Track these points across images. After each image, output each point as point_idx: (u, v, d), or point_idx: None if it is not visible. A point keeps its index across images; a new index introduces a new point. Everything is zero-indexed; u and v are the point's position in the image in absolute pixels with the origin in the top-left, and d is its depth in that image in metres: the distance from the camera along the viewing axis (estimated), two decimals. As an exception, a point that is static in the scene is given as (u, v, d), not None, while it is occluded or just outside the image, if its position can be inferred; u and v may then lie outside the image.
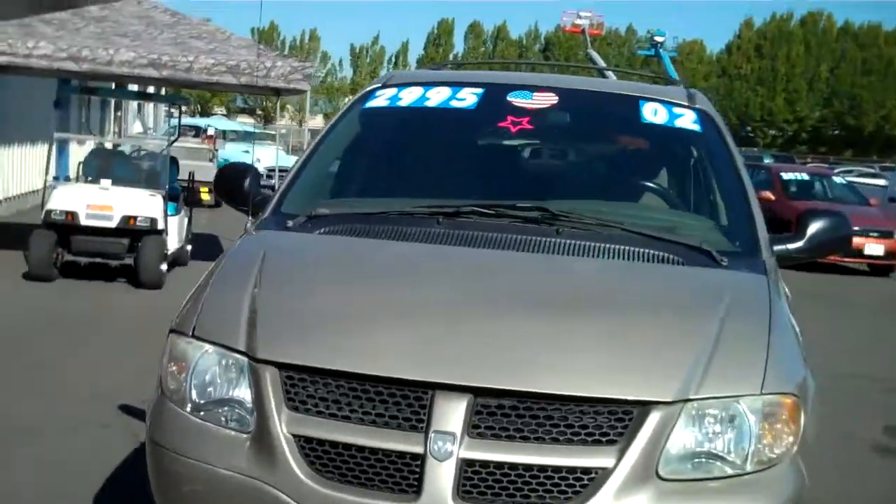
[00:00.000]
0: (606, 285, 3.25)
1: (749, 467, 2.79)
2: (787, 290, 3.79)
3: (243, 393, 2.89)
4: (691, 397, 2.75)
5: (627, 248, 3.40)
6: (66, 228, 9.79)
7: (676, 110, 4.21)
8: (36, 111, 12.41)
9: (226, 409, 2.92)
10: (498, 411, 2.69)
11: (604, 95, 4.45)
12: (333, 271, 3.34)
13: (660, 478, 2.69)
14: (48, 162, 10.50)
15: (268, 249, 3.45)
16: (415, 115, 4.28)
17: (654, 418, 2.70)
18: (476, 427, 2.68)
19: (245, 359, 2.89)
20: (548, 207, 3.57)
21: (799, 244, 3.77)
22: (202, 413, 2.94)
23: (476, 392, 2.70)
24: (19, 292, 9.33)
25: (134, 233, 9.92)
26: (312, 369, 2.80)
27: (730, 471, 2.77)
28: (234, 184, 4.07)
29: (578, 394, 2.70)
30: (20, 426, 5.38)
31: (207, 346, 2.98)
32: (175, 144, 11.54)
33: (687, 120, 4.19)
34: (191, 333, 3.04)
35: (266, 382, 2.82)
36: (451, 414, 2.67)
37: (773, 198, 17.36)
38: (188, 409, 2.95)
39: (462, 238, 3.41)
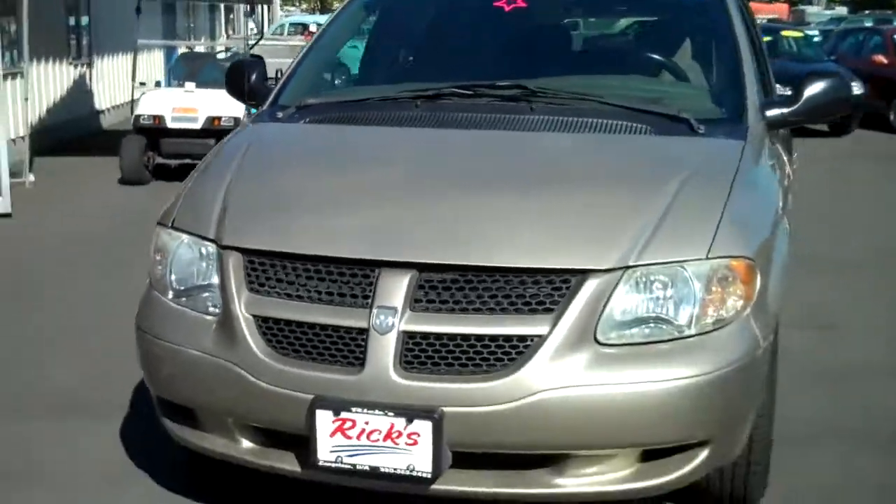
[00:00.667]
0: (566, 160, 3.29)
1: (692, 330, 2.84)
2: (785, 154, 3.75)
3: (215, 279, 3.06)
4: (631, 264, 2.81)
5: (599, 121, 3.43)
6: (154, 133, 10.15)
7: None
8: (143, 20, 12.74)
9: (203, 294, 3.10)
10: (440, 285, 2.80)
11: None
12: (305, 159, 3.48)
13: (598, 343, 2.77)
14: (133, 68, 10.82)
15: (252, 141, 3.61)
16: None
17: (590, 286, 2.77)
18: (418, 301, 2.79)
19: (214, 246, 3.06)
20: (526, 84, 3.61)
21: (795, 107, 3.71)
22: (182, 299, 3.14)
23: (420, 268, 2.81)
24: (113, 196, 9.76)
25: (220, 133, 10.20)
26: (271, 253, 2.96)
27: (672, 334, 2.83)
28: (240, 79, 4.20)
29: (517, 265, 2.79)
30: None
31: (184, 237, 3.16)
32: (276, 43, 11.66)
33: (688, -13, 4.12)
34: (170, 225, 3.23)
35: (230, 267, 3.00)
36: (394, 289, 2.79)
37: (885, 62, 16.67)
38: (170, 296, 3.16)
39: (436, 120, 3.49)
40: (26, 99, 10.49)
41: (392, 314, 2.77)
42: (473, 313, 2.78)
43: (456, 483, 2.84)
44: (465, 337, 2.77)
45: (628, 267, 2.81)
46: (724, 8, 4.03)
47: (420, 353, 2.78)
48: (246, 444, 3.02)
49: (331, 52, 4.37)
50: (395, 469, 2.77)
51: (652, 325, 2.83)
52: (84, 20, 14.83)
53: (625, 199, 3.03)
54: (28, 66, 10.62)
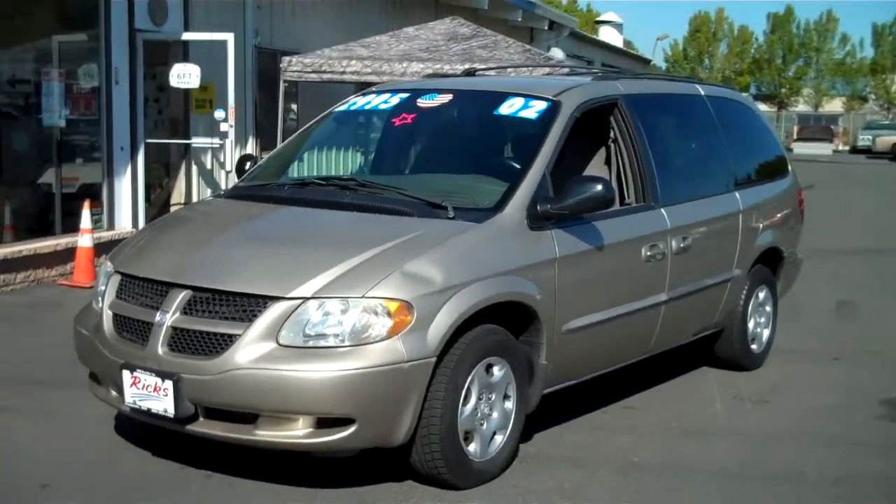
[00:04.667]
0: (324, 228, 4.88)
1: (347, 343, 4.31)
2: (530, 241, 4.92)
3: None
4: (309, 296, 4.35)
5: (382, 205, 4.95)
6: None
7: (532, 102, 5.52)
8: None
9: (99, 297, 4.99)
10: (201, 299, 4.50)
11: (480, 93, 5.86)
12: (189, 219, 5.32)
13: (278, 344, 4.32)
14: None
15: (188, 208, 5.51)
16: (351, 115, 6.05)
17: (279, 306, 4.35)
18: (187, 308, 4.51)
19: (113, 269, 4.97)
20: (356, 178, 5.22)
21: (560, 204, 5.00)
22: (92, 302, 5.04)
23: (193, 288, 4.53)
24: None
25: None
26: (129, 275, 4.81)
27: (332, 343, 4.32)
28: (241, 167, 6.10)
29: (237, 290, 4.43)
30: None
31: (109, 265, 5.09)
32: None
33: (532, 111, 5.48)
34: (109, 258, 5.18)
35: (112, 282, 4.88)
36: (173, 300, 4.53)
37: None
38: (96, 302, 5.07)
39: (285, 199, 5.20)
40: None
41: (167, 315, 4.51)
42: (208, 317, 4.45)
43: (202, 427, 4.49)
44: (200, 332, 4.44)
45: (308, 298, 4.35)
46: (544, 129, 5.32)
47: (176, 340, 4.49)
48: (112, 392, 4.84)
49: (291, 149, 6.19)
50: (158, 411, 4.48)
51: (320, 336, 4.33)
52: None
53: (334, 254, 4.54)
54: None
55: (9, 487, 4.62)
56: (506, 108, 5.54)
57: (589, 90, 5.77)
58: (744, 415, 6.21)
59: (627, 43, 59.07)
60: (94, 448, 5.12)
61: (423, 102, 5.78)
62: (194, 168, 12.30)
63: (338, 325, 4.33)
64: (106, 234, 10.15)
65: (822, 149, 47.40)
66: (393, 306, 4.36)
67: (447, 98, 5.79)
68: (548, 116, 5.42)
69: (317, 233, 4.89)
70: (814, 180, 27.61)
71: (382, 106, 5.88)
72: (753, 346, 7.05)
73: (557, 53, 23.95)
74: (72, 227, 9.78)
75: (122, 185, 10.73)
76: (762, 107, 67.00)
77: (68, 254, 9.55)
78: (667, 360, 6.83)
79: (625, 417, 5.93)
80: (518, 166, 5.25)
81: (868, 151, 46.63)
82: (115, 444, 5.16)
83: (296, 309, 4.35)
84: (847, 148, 51.82)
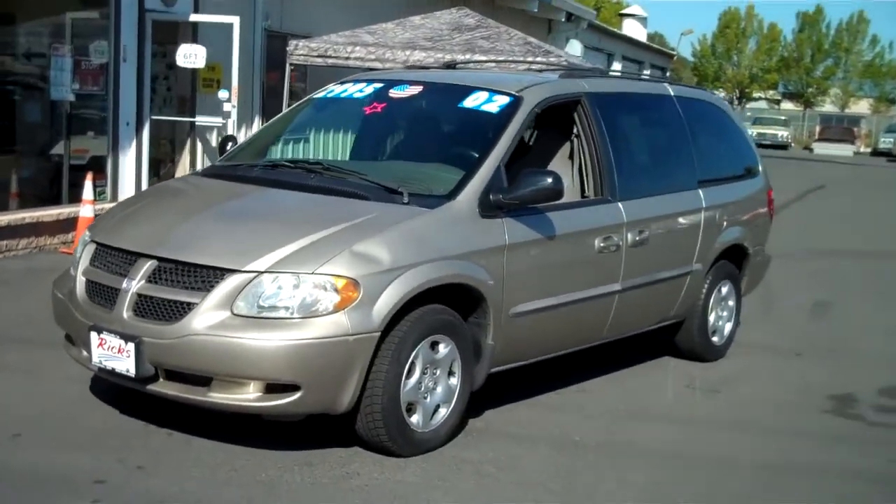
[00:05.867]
0: (287, 208, 5.19)
1: (297, 315, 4.64)
2: (479, 228, 5.21)
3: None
4: (263, 269, 4.67)
5: (343, 188, 5.27)
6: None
7: (495, 97, 5.82)
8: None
9: (76, 264, 5.34)
10: (165, 269, 4.83)
11: (448, 86, 6.15)
12: (164, 195, 5.64)
13: (233, 313, 4.65)
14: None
15: (165, 183, 5.83)
16: (328, 103, 6.37)
17: (234, 279, 4.68)
18: (152, 277, 4.84)
19: (90, 239, 5.31)
20: (321, 162, 5.55)
21: (511, 195, 5.31)
22: (74, 268, 5.38)
23: (158, 259, 4.87)
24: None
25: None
26: (103, 244, 5.15)
27: (282, 314, 4.64)
28: (223, 147, 6.42)
29: (197, 262, 4.77)
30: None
31: (87, 234, 5.43)
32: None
33: (494, 105, 5.78)
34: (88, 228, 5.52)
35: (87, 251, 5.22)
36: (140, 269, 4.87)
37: None
38: (73, 268, 5.40)
39: (254, 179, 5.53)
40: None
41: (133, 282, 4.84)
42: (171, 286, 4.78)
43: (161, 387, 4.83)
44: (163, 300, 4.77)
45: (263, 272, 4.67)
46: (504, 123, 5.62)
47: (141, 305, 4.82)
48: (83, 353, 5.18)
49: (269, 133, 6.52)
50: (121, 370, 4.82)
51: (272, 307, 4.66)
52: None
53: (291, 232, 4.86)
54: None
55: (-19, 436, 4.99)
56: (470, 102, 5.84)
57: (552, 87, 6.05)
58: (692, 403, 6.51)
59: (657, 36, 59.25)
60: (67, 404, 5.47)
61: (395, 93, 6.09)
62: (199, 145, 12.65)
63: (289, 298, 4.66)
64: (108, 206, 10.47)
65: (842, 150, 47.33)
66: (340, 283, 4.68)
67: (417, 89, 6.09)
68: (508, 111, 5.71)
69: (278, 212, 5.21)
70: (828, 181, 27.80)
71: (357, 95, 6.20)
72: (714, 339, 7.33)
73: (576, 46, 24.20)
74: (77, 197, 10.12)
75: (127, 159, 11.09)
76: (788, 105, 67.30)
77: (70, 223, 9.91)
78: (629, 349, 7.13)
79: (577, 399, 6.23)
80: (476, 156, 5.54)
81: (889, 154, 46.50)
82: (87, 402, 5.51)
83: (251, 281, 4.67)
84: (868, 150, 51.66)
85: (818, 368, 7.47)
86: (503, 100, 5.78)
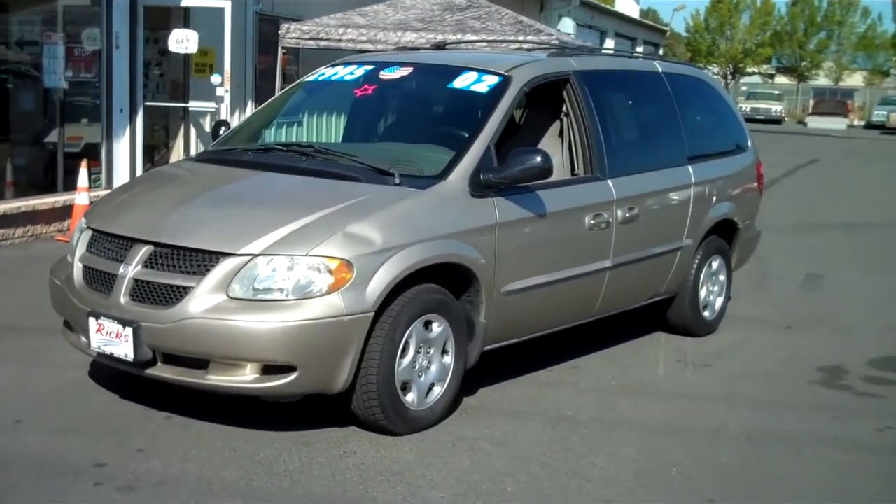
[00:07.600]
0: (279, 191, 5.25)
1: (292, 297, 4.71)
2: (469, 207, 5.27)
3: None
4: (257, 252, 4.74)
5: (335, 170, 5.34)
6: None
7: (484, 77, 5.88)
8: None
9: (73, 251, 5.40)
10: (161, 253, 4.90)
11: (438, 67, 6.21)
12: (158, 180, 5.70)
13: (228, 296, 4.73)
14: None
15: (162, 169, 5.89)
16: (319, 86, 6.42)
17: (228, 262, 4.75)
18: (148, 262, 4.91)
19: (86, 225, 5.37)
20: (314, 145, 5.61)
21: (500, 174, 5.38)
22: (68, 255, 5.45)
23: (154, 244, 4.93)
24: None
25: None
26: (99, 231, 5.22)
27: (278, 297, 4.72)
28: (216, 131, 6.48)
29: (192, 246, 4.83)
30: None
31: (83, 221, 5.49)
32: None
33: (483, 84, 5.84)
34: (84, 215, 5.58)
35: (84, 237, 5.29)
36: (136, 254, 4.94)
37: None
38: (70, 255, 5.47)
39: (247, 163, 5.59)
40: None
41: (129, 267, 4.91)
42: (167, 270, 4.85)
43: (159, 371, 4.91)
44: (159, 284, 4.85)
45: (257, 255, 4.74)
46: (493, 102, 5.68)
47: (137, 290, 4.90)
48: (81, 338, 5.25)
49: (262, 117, 6.58)
50: (120, 355, 4.90)
51: (267, 290, 4.73)
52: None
53: (284, 215, 4.93)
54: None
55: (-16, 422, 5.07)
56: (460, 82, 5.90)
57: (541, 66, 6.12)
58: (682, 377, 6.61)
59: (650, 12, 59.11)
60: (67, 390, 5.55)
61: (385, 75, 6.16)
62: (192, 130, 12.70)
63: (284, 280, 4.73)
64: (103, 193, 10.53)
65: (836, 123, 47.37)
66: (334, 264, 4.75)
67: (407, 71, 6.15)
68: (498, 91, 5.77)
69: (271, 195, 5.28)
70: (821, 155, 27.87)
71: (348, 77, 6.26)
72: (705, 314, 7.42)
73: (568, 24, 24.22)
74: (72, 185, 10.19)
75: (121, 146, 11.15)
76: (781, 79, 67.27)
77: (66, 211, 9.98)
78: (622, 325, 7.22)
79: (569, 375, 6.32)
80: (466, 136, 5.61)
81: (882, 127, 46.56)
82: (87, 387, 5.59)
83: (245, 264, 4.74)
84: (862, 123, 51.70)
85: (808, 341, 7.56)
86: (492, 80, 5.84)
